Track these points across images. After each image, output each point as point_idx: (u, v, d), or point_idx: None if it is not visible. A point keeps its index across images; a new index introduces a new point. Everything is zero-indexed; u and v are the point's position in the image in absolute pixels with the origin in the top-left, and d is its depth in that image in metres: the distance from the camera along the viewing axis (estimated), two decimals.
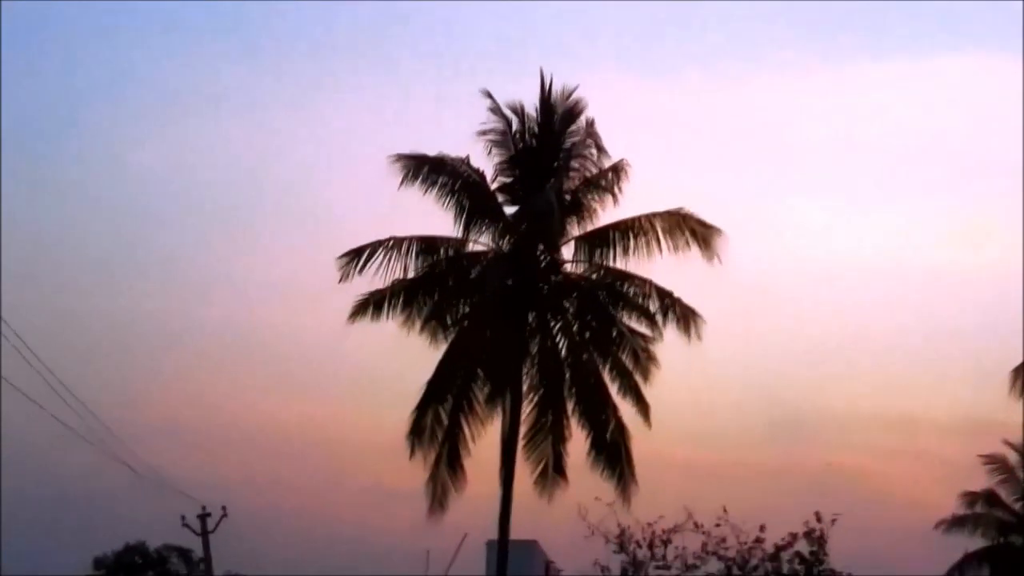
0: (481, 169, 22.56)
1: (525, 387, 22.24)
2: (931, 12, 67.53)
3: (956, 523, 33.13)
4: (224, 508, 39.98)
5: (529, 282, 22.43)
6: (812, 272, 61.48)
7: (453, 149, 22.66)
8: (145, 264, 66.38)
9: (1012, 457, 33.38)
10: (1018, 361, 26.62)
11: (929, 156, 67.06)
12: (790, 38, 70.30)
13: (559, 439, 22.20)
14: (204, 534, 39.69)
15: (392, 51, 72.93)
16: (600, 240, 22.22)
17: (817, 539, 18.70)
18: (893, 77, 65.91)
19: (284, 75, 74.49)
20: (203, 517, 39.66)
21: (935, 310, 59.13)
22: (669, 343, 22.12)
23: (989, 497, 33.36)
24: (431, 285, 22.40)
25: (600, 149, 22.46)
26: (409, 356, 22.96)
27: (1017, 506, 33.44)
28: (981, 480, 33.59)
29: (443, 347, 22.32)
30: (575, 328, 22.28)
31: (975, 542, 33.21)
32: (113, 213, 68.65)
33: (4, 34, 68.38)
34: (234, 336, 63.82)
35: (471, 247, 22.64)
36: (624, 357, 22.05)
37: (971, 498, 33.33)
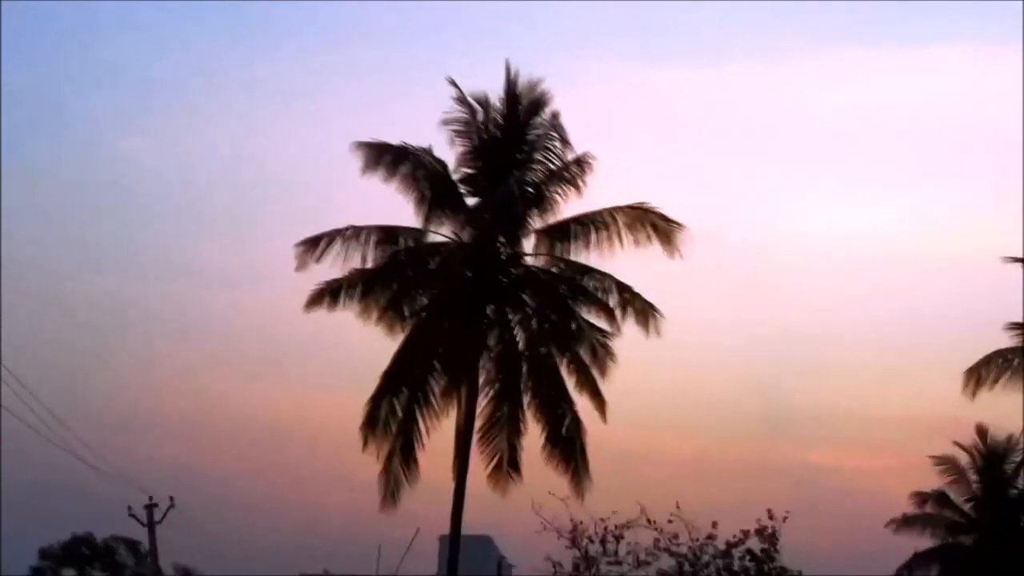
0: (444, 159, 22.40)
1: (482, 380, 22.05)
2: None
3: (906, 523, 33.40)
4: (172, 499, 39.52)
5: (489, 274, 22.27)
6: (793, 262, 61.32)
7: (416, 139, 22.53)
8: (102, 251, 65.71)
9: (963, 458, 33.67)
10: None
11: (917, 146, 67.15)
12: (780, 23, 70.09)
13: (514, 433, 22.04)
14: (150, 525, 39.17)
15: (357, 39, 72.39)
16: (561, 233, 22.08)
17: (769, 536, 18.77)
18: (887, 64, 65.82)
19: (250, 65, 73.83)
20: (149, 508, 39.14)
21: (918, 301, 58.97)
22: (635, 332, 22.03)
23: (939, 497, 33.66)
24: (390, 275, 22.15)
25: (565, 142, 22.34)
26: (369, 344, 22.77)
27: (967, 507, 33.74)
28: (936, 480, 33.84)
29: (400, 338, 22.10)
30: (534, 321, 22.13)
31: (924, 542, 33.51)
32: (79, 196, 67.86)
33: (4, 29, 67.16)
34: (189, 321, 63.27)
35: (431, 238, 22.46)
36: (582, 352, 21.94)
37: (922, 498, 33.61)
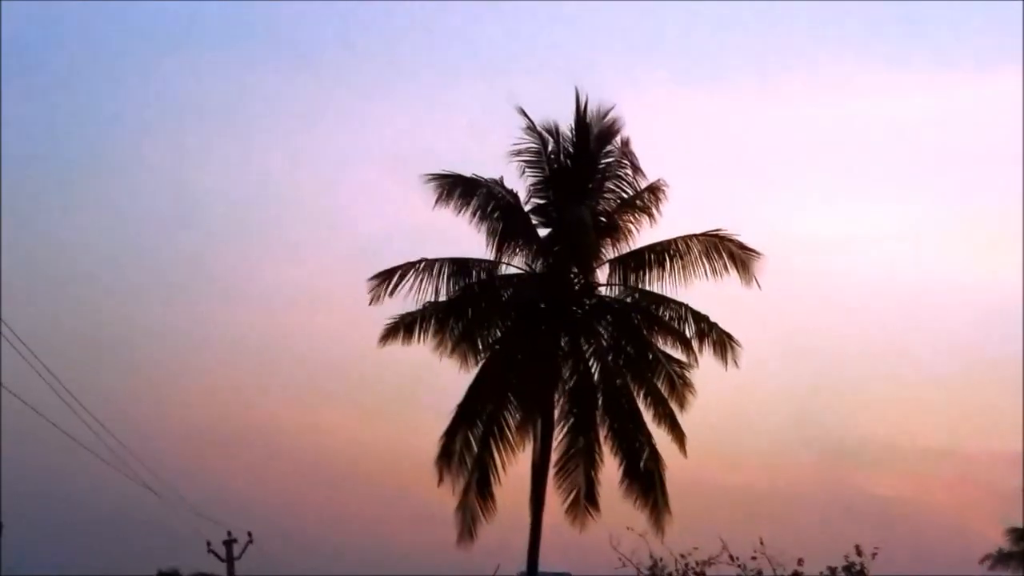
0: (515, 190, 22.21)
1: (557, 413, 21.74)
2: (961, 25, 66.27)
3: (1001, 559, 32.15)
4: (250, 534, 39.63)
5: (562, 305, 21.99)
6: (857, 292, 60.42)
7: (486, 170, 22.40)
8: (164, 273, 66.70)
9: None
10: None
11: (994, 178, 65.73)
12: (833, 49, 69.40)
13: (591, 466, 21.65)
14: (229, 560, 39.30)
15: (426, 67, 73.00)
16: (636, 262, 21.73)
17: (857, 573, 18.10)
18: (922, 79, 64.67)
19: (319, 89, 74.74)
20: (228, 543, 39.28)
21: (983, 334, 57.76)
22: (707, 368, 21.60)
23: None
24: (463, 307, 21.98)
25: (636, 169, 22.05)
26: (443, 378, 22.59)
27: None
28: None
29: (474, 371, 21.90)
30: (609, 353, 21.78)
31: None
32: (135, 220, 69.14)
33: (32, 40, 69.06)
34: (264, 351, 63.80)
35: (504, 269, 22.25)
36: (659, 383, 21.52)
37: (1018, 534, 32.34)
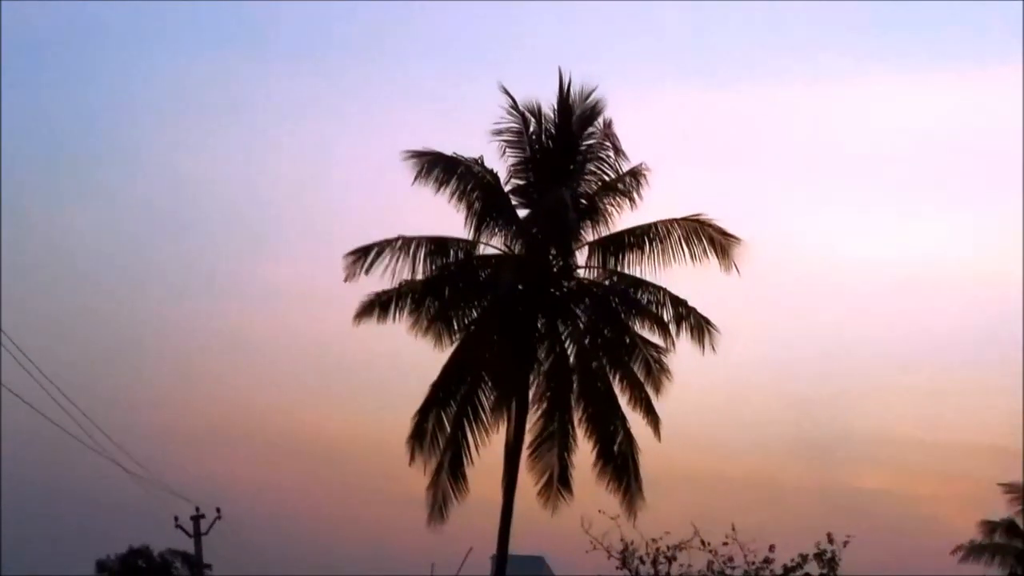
0: (495, 170, 22.01)
1: (532, 394, 21.61)
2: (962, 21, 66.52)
3: (974, 551, 32.25)
4: (218, 510, 39.53)
5: (540, 286, 21.82)
6: (841, 284, 60.57)
7: (466, 150, 22.19)
8: (153, 268, 66.35)
9: None
10: None
11: (970, 166, 66.04)
12: (824, 45, 69.55)
13: (565, 449, 21.55)
14: (197, 536, 39.17)
15: (406, 48, 72.63)
16: (615, 245, 21.58)
17: (828, 561, 18.00)
18: (924, 88, 65.06)
19: (295, 75, 74.31)
20: (196, 519, 39.14)
21: (968, 327, 57.91)
22: (691, 359, 21.49)
23: (1009, 527, 32.48)
24: (440, 287, 21.80)
25: (618, 151, 21.85)
26: (417, 358, 22.45)
27: None
28: (1000, 510, 32.74)
29: (449, 350, 21.73)
30: (586, 335, 21.64)
31: (993, 571, 32.35)
32: (128, 216, 68.66)
33: (36, 39, 68.50)
34: (236, 339, 63.61)
35: (482, 250, 22.07)
36: (636, 367, 21.39)
37: (990, 527, 32.44)
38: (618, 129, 21.89)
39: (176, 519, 38.94)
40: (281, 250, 67.09)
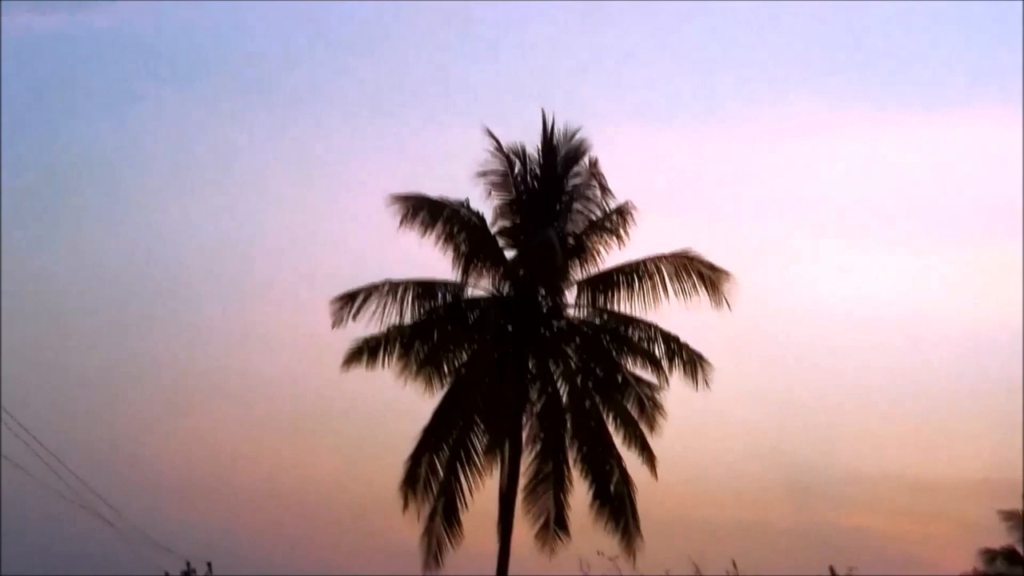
0: (481, 212, 21.96)
1: (525, 436, 21.40)
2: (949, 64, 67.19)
3: None
4: (209, 565, 39.08)
5: (530, 327, 21.69)
6: (826, 324, 60.58)
7: (452, 193, 22.13)
8: (134, 315, 65.86)
9: None
10: None
11: (946, 207, 66.45)
12: (803, 82, 70.10)
13: (560, 490, 21.33)
14: None
15: (390, 93, 72.74)
16: (604, 284, 21.47)
17: None
18: (908, 126, 65.62)
19: (280, 120, 74.32)
20: (187, 574, 38.71)
21: (951, 365, 58.10)
22: (677, 396, 21.36)
23: (1009, 555, 32.34)
24: (428, 330, 21.65)
25: (604, 190, 21.84)
26: (407, 405, 22.23)
27: None
28: (999, 539, 32.62)
29: (440, 395, 21.53)
30: (578, 375, 21.49)
31: None
32: (107, 263, 68.30)
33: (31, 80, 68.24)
34: (219, 387, 63.01)
35: (470, 292, 21.96)
36: (629, 405, 21.26)
37: (991, 555, 32.30)
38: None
39: (166, 574, 38.49)
40: (266, 296, 66.67)
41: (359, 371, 21.57)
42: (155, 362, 61.71)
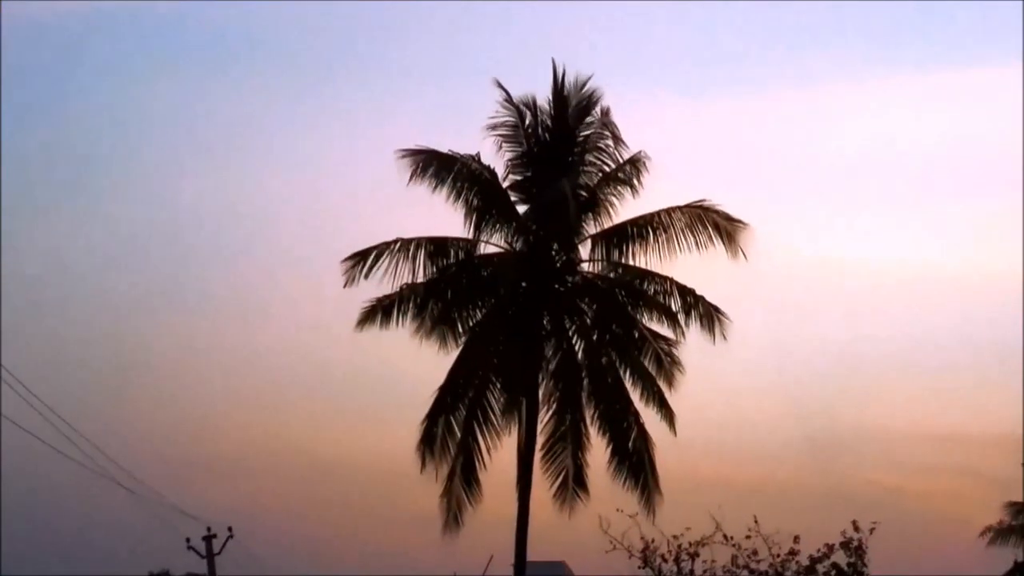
0: (492, 166, 21.47)
1: (541, 394, 21.05)
2: (960, 23, 66.34)
3: (1002, 533, 31.60)
4: (230, 529, 39.05)
5: (544, 283, 21.28)
6: (850, 280, 60.10)
7: (462, 148, 21.64)
8: (148, 287, 65.94)
9: None
10: None
11: (970, 164, 65.73)
12: (819, 46, 69.25)
13: (579, 448, 20.99)
14: (209, 556, 38.63)
15: (400, 47, 72.07)
16: (618, 237, 21.01)
17: (855, 549, 17.44)
18: (921, 86, 64.89)
19: (288, 70, 73.78)
20: (208, 539, 38.67)
21: (973, 320, 57.52)
22: (695, 351, 20.93)
23: None
24: (442, 289, 21.25)
25: (617, 139, 21.29)
26: (423, 366, 21.90)
27: None
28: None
29: (454, 353, 21.18)
30: (593, 331, 21.09)
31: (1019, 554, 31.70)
32: (126, 236, 68.25)
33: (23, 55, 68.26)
34: (239, 357, 63.13)
35: (483, 248, 21.51)
36: (646, 361, 20.86)
37: (1016, 508, 31.84)
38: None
39: (188, 540, 38.47)
40: (278, 264, 66.49)
41: (373, 332, 21.26)
42: (177, 334, 61.99)
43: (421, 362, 21.57)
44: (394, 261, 20.87)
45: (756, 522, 17.90)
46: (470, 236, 21.18)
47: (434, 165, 20.90)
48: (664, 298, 20.70)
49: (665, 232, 20.69)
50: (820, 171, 66.31)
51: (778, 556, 17.84)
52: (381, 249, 20.89)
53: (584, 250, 21.47)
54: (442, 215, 21.22)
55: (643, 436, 20.76)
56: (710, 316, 20.34)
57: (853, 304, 58.74)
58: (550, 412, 21.16)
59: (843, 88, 67.65)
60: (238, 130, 72.42)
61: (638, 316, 20.96)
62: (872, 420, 54.85)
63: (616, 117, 21.45)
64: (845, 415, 54.59)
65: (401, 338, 21.27)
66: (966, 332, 57.28)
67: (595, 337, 21.07)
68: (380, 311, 21.08)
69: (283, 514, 57.38)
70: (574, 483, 21.08)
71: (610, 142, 21.32)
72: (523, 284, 21.34)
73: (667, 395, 20.93)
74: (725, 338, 20.41)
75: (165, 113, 73.25)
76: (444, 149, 21.24)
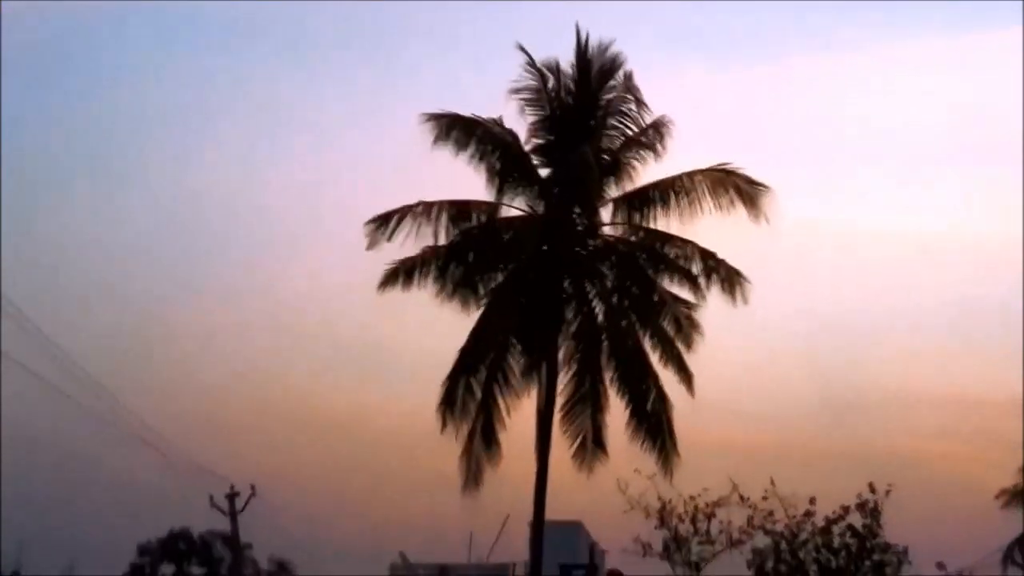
0: (514, 130, 21.57)
1: (561, 356, 21.24)
2: None
3: (1017, 495, 31.73)
4: (253, 487, 39.50)
5: (565, 247, 21.42)
6: (868, 246, 60.02)
7: (486, 111, 21.73)
8: (171, 259, 66.44)
9: None
10: None
11: (984, 130, 65.29)
12: (839, 13, 68.68)
13: (597, 410, 21.16)
14: (232, 514, 39.21)
15: (425, 11, 71.80)
16: (640, 201, 21.13)
17: (871, 511, 17.67)
18: (938, 51, 64.27)
19: (313, 38, 73.78)
20: (231, 497, 39.13)
21: (991, 285, 57.36)
22: (714, 313, 21.04)
23: None
24: (463, 251, 21.42)
25: (640, 103, 21.37)
26: (444, 328, 22.09)
27: None
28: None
29: (475, 315, 21.38)
30: (613, 294, 21.24)
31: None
32: (135, 218, 68.73)
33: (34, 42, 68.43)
34: (260, 322, 63.67)
35: (505, 211, 21.67)
36: (665, 324, 20.99)
37: None
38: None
39: (211, 498, 38.99)
40: (302, 229, 66.88)
41: (395, 294, 21.44)
42: (202, 309, 62.51)
43: (442, 324, 21.77)
44: (416, 224, 21.05)
45: (772, 484, 18.18)
46: (492, 199, 21.35)
47: (457, 128, 21.05)
48: (685, 262, 20.83)
49: (687, 195, 20.78)
50: (838, 141, 66.06)
51: (794, 517, 18.10)
52: (404, 212, 21.06)
53: (606, 214, 21.65)
54: (464, 179, 21.41)
55: (661, 398, 20.93)
56: (731, 280, 20.45)
57: (870, 269, 58.70)
58: (570, 374, 21.36)
59: (858, 56, 67.04)
60: (265, 96, 72.50)
61: (658, 279, 21.09)
62: (888, 384, 54.95)
63: (639, 82, 21.50)
64: (862, 379, 54.69)
65: (422, 300, 21.49)
66: (983, 297, 57.19)
67: (615, 300, 21.21)
68: (402, 273, 21.26)
69: (305, 473, 58.06)
70: (593, 443, 21.27)
71: (633, 106, 21.41)
72: (544, 247, 21.49)
73: (685, 357, 21.07)
74: (746, 301, 20.57)
75: (184, 93, 73.37)
76: (467, 113, 21.39)
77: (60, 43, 71.13)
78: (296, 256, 64.91)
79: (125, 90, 72.71)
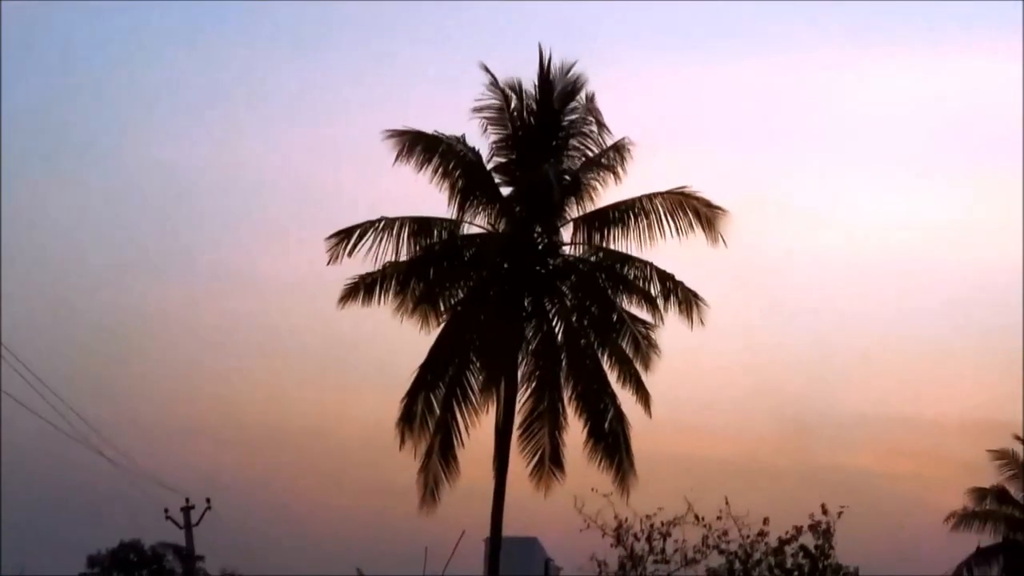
0: (477, 148, 21.74)
1: (520, 374, 21.39)
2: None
3: (965, 518, 32.23)
4: (208, 500, 39.27)
5: (526, 265, 21.59)
6: (820, 265, 60.66)
7: (448, 129, 21.88)
8: (133, 256, 65.89)
9: (1022, 452, 32.53)
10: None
11: (944, 147, 66.15)
12: (812, 16, 69.25)
13: (556, 428, 21.33)
14: (187, 527, 38.94)
15: (388, 29, 72.00)
16: (600, 221, 21.33)
17: (823, 532, 17.90)
18: (938, 51, 64.77)
19: (277, 49, 73.69)
20: (186, 510, 38.89)
21: (948, 305, 58.22)
22: (672, 334, 21.32)
23: (999, 494, 32.48)
24: (424, 268, 21.54)
25: (601, 125, 21.62)
26: (403, 343, 22.19)
27: None
28: (989, 479, 32.78)
29: (436, 332, 21.47)
30: (573, 313, 21.44)
31: (985, 539, 32.34)
32: (108, 205, 68.11)
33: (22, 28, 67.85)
34: (216, 327, 63.28)
35: (466, 229, 21.80)
36: (624, 344, 21.22)
37: (980, 494, 32.45)
38: (606, 105, 21.72)
39: (166, 511, 38.71)
40: (262, 236, 66.63)
41: (355, 308, 21.50)
42: (157, 304, 61.97)
43: (402, 333, 21.87)
44: (378, 239, 21.14)
45: (727, 503, 18.35)
46: (454, 216, 21.50)
47: (420, 146, 21.17)
48: (644, 283, 21.06)
49: (646, 217, 21.02)
50: (803, 149, 66.59)
51: (748, 537, 18.29)
52: (365, 227, 21.15)
53: (566, 233, 21.85)
54: (427, 195, 21.53)
55: (619, 417, 21.14)
56: (688, 302, 20.71)
57: (825, 291, 59.39)
58: (528, 391, 21.51)
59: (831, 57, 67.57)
60: (228, 103, 72.29)
61: (618, 299, 21.31)
62: (843, 404, 55.62)
63: (606, 86, 21.77)
64: (817, 399, 55.31)
65: (383, 311, 21.57)
66: (941, 317, 58.05)
67: (575, 319, 21.41)
68: (362, 288, 21.33)
69: (260, 484, 57.72)
70: (550, 462, 21.42)
71: (594, 128, 21.65)
72: (505, 265, 21.66)
73: (643, 377, 21.29)
74: (703, 323, 20.82)
75: (148, 84, 72.96)
76: (430, 130, 21.52)
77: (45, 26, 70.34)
78: (258, 262, 64.61)
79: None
